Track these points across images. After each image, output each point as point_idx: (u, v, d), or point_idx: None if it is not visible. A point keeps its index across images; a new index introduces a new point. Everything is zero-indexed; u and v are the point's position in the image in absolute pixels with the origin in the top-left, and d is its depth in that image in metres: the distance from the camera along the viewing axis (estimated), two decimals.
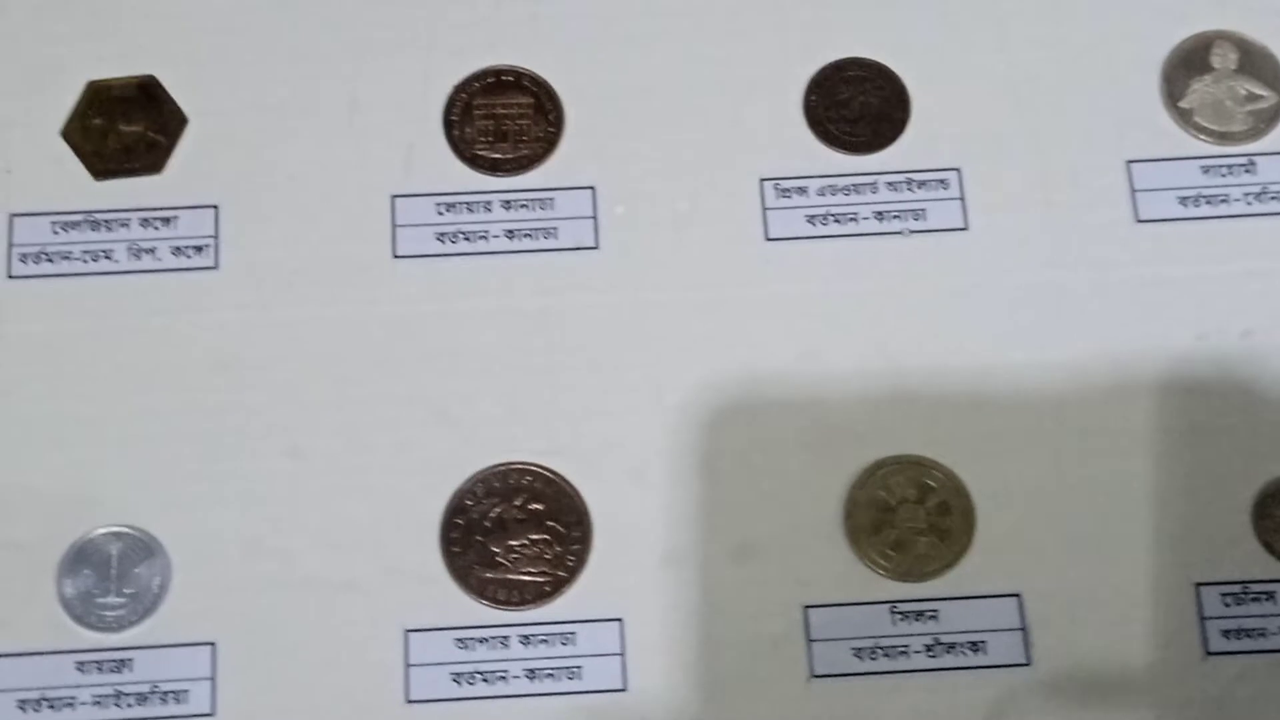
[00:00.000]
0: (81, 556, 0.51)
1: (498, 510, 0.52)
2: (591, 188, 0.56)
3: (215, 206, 0.55)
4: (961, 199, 0.56)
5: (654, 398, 0.54)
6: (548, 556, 0.52)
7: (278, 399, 0.54)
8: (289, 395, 0.54)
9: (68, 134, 0.56)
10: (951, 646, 0.51)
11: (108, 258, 0.55)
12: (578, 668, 0.51)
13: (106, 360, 0.54)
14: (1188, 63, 0.57)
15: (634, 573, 0.52)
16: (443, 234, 0.55)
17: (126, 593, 0.51)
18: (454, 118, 0.57)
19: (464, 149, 0.56)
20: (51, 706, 0.50)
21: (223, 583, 0.52)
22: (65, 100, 0.57)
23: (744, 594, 0.52)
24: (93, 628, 0.51)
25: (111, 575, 0.51)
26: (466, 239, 0.55)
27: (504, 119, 0.57)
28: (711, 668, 0.51)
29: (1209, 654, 0.51)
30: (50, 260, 0.55)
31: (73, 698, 0.50)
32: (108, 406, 0.53)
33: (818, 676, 0.51)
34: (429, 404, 0.54)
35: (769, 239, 0.56)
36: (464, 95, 0.57)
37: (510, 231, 0.55)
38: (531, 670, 0.51)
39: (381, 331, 0.54)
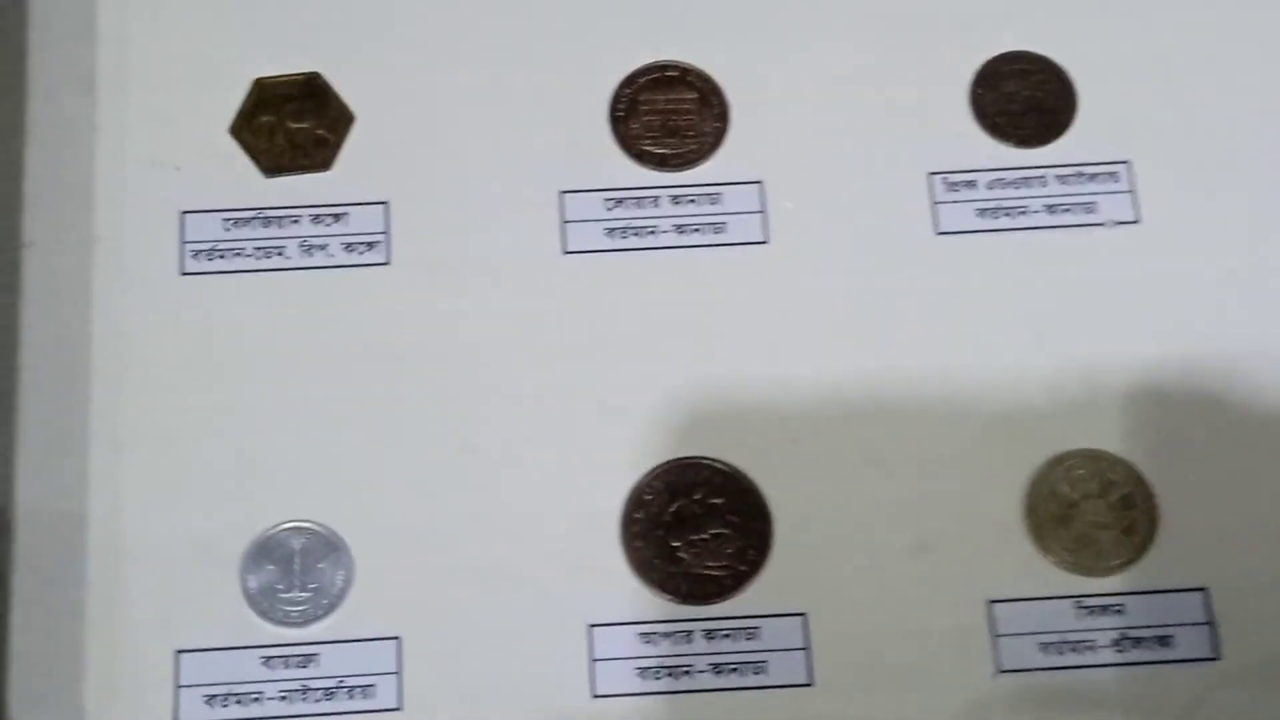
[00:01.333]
0: (264, 551, 0.51)
1: (677, 504, 0.52)
2: (759, 182, 0.56)
3: (385, 203, 0.55)
4: (1132, 191, 0.56)
5: (828, 391, 0.53)
6: (729, 550, 0.52)
7: (452, 395, 0.54)
8: (463, 391, 0.54)
9: (236, 131, 0.56)
10: (1139, 641, 0.51)
11: (279, 254, 0.55)
12: (763, 662, 0.51)
13: (280, 356, 0.54)
14: None
15: (816, 567, 0.52)
16: (612, 229, 0.55)
17: (310, 588, 0.51)
18: (620, 113, 0.57)
19: (631, 144, 0.56)
20: (239, 702, 0.50)
21: (406, 578, 0.52)
22: (233, 98, 0.57)
23: (928, 588, 0.51)
24: (277, 623, 0.51)
25: (294, 570, 0.51)
26: (636, 234, 0.55)
27: (670, 114, 0.57)
28: (897, 662, 0.51)
29: None
30: (222, 256, 0.55)
31: (259, 693, 0.50)
32: (282, 402, 0.53)
33: (1005, 671, 0.51)
34: (603, 399, 0.54)
35: (939, 233, 0.55)
36: (629, 91, 0.57)
37: (679, 227, 0.55)
38: (716, 665, 0.51)
39: (552, 327, 0.54)
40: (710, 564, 0.51)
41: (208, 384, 0.54)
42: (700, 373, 0.54)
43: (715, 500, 0.52)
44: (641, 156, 0.56)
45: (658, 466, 0.52)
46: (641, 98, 0.57)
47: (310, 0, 0.58)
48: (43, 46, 0.57)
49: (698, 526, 0.52)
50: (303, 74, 0.57)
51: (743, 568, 0.52)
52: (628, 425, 0.53)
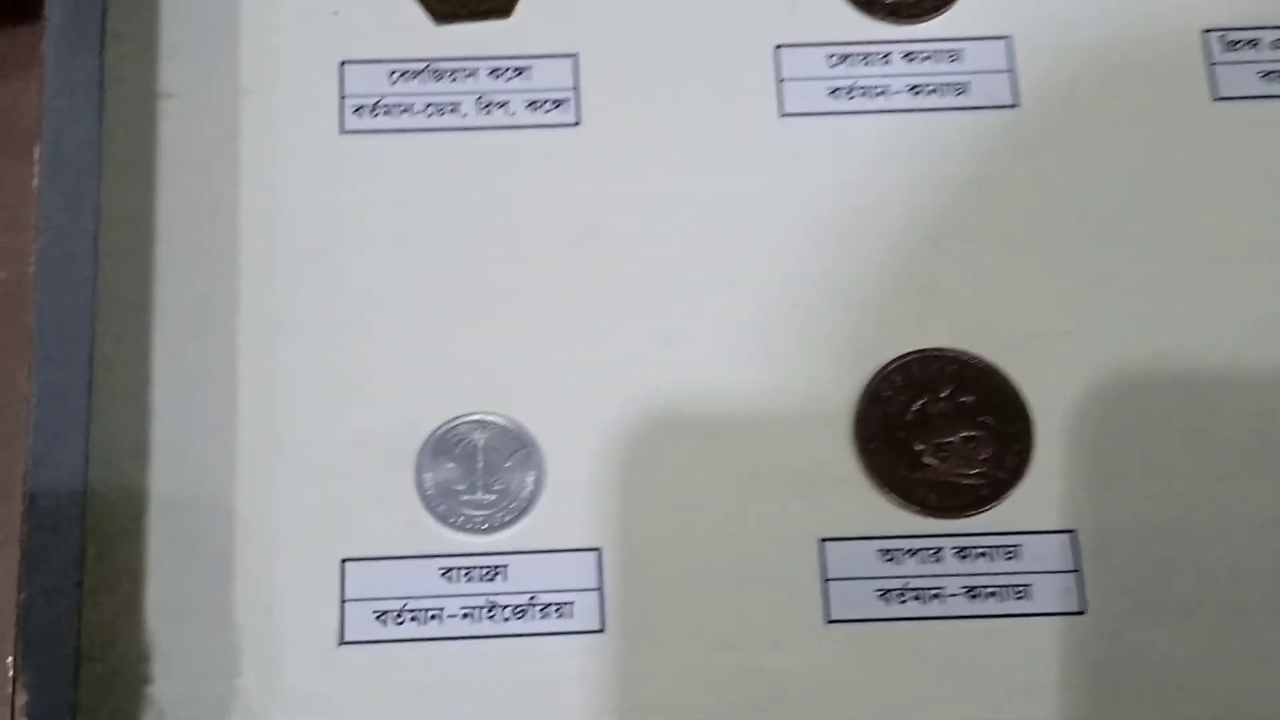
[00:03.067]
0: (443, 447, 0.44)
1: (920, 403, 0.45)
2: (1006, 38, 0.48)
3: (574, 55, 0.48)
4: None
5: (1093, 273, 0.46)
6: (983, 456, 0.44)
7: (652, 276, 0.46)
8: (665, 271, 0.46)
9: None
10: None
11: (454, 111, 0.48)
12: (1025, 585, 0.43)
13: (455, 226, 0.47)
14: None
15: (1085, 478, 0.44)
16: (836, 89, 0.48)
17: (496, 490, 0.44)
18: None
19: None
20: (415, 619, 0.43)
21: (605, 481, 0.45)
22: None
23: (1222, 506, 0.44)
24: (459, 529, 0.44)
25: (478, 469, 0.44)
26: (864, 95, 0.48)
27: None
28: (1185, 592, 0.44)
29: None
30: (388, 113, 0.48)
31: (439, 609, 0.43)
32: (458, 280, 0.46)
33: None
34: (829, 283, 0.46)
35: (1216, 98, 0.48)
36: None
37: (914, 87, 0.48)
38: (971, 588, 0.43)
39: (768, 199, 0.47)
40: (961, 471, 0.44)
41: (372, 259, 0.46)
42: (941, 253, 0.47)
43: (965, 398, 0.45)
44: (869, 6, 0.49)
45: (897, 359, 0.45)
46: None
47: None
48: None
49: (946, 428, 0.44)
50: None
51: (1001, 476, 0.44)
52: (860, 311, 0.46)
